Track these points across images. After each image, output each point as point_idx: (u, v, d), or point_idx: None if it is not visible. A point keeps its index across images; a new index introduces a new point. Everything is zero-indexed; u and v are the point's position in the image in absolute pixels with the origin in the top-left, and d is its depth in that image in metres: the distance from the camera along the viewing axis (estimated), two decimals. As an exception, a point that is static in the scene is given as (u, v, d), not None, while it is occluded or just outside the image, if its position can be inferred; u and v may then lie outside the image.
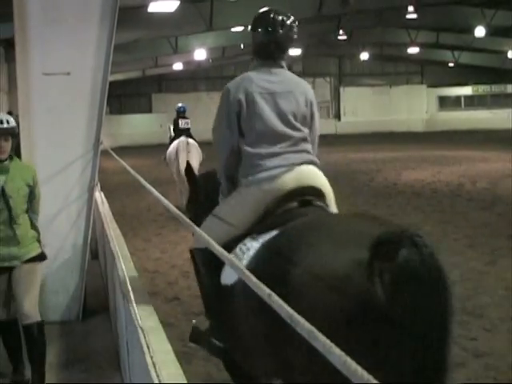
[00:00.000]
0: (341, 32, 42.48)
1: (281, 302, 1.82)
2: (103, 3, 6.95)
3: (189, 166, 5.27)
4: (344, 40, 45.59)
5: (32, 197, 6.26)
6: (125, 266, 5.40)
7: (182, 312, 7.83)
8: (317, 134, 4.58)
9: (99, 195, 10.26)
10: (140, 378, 3.87)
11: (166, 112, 40.48)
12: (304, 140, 4.31)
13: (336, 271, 2.94)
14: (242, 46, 42.39)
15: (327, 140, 47.02)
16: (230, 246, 3.77)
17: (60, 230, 7.66)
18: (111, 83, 8.03)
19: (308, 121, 4.41)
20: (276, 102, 4.21)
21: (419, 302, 2.80)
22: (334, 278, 2.91)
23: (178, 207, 4.11)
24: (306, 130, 4.35)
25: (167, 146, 17.70)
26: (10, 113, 27.99)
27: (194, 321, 4.76)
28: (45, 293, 7.73)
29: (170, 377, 3.18)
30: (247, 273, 2.13)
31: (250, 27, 4.52)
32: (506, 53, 49.23)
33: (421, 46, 49.65)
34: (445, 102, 60.51)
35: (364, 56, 55.06)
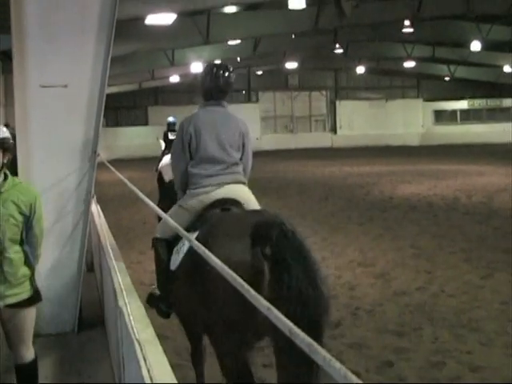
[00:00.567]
0: (337, 45, 42.59)
1: (279, 314, 1.83)
2: (101, 16, 6.96)
3: (160, 175, 5.86)
4: (340, 53, 45.72)
5: (28, 227, 5.27)
6: (121, 279, 5.39)
7: (178, 325, 7.81)
8: (249, 158, 5.80)
9: (95, 207, 10.26)
10: (136, 391, 3.86)
11: (163, 125, 40.53)
12: (236, 164, 5.53)
13: (231, 252, 4.21)
14: (238, 59, 42.47)
15: (323, 153, 47.23)
16: (178, 239, 5.16)
17: (56, 242, 7.64)
18: (108, 95, 8.04)
19: (241, 149, 5.66)
20: (217, 134, 5.48)
21: (292, 267, 3.99)
22: (231, 259, 3.91)
23: None
24: (238, 156, 5.57)
25: (159, 157, 18.06)
26: (6, 125, 28.04)
27: (152, 286, 5.90)
28: (40, 305, 7.72)
29: (166, 389, 3.18)
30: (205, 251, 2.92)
31: (199, 76, 5.83)
32: (502, 67, 49.42)
33: (417, 59, 49.82)
34: (441, 116, 60.68)
35: (360, 70, 55.25)
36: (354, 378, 1.49)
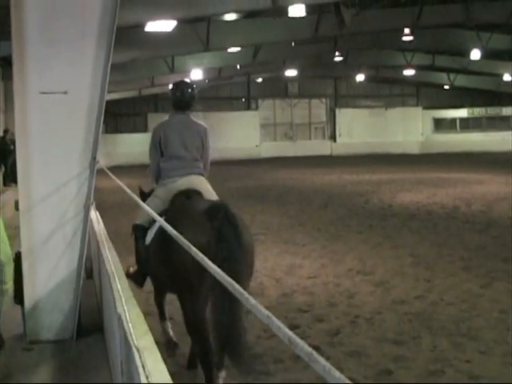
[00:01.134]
0: (337, 53, 42.69)
1: (279, 323, 1.83)
2: (101, 22, 6.97)
3: (141, 191, 7.89)
4: (340, 61, 45.80)
5: None
6: (120, 286, 5.39)
7: (177, 332, 7.81)
8: (208, 155, 7.29)
9: (95, 214, 10.25)
10: (134, 398, 3.85)
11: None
12: (197, 160, 7.04)
13: (191, 226, 5.78)
14: (238, 66, 42.55)
15: (322, 161, 47.27)
16: (152, 223, 6.59)
17: (56, 248, 7.64)
18: (108, 102, 8.05)
19: (200, 148, 7.10)
20: (181, 137, 6.94)
21: (228, 235, 5.63)
22: (190, 230, 5.55)
23: None
24: (198, 154, 7.06)
25: None
26: (6, 131, 28.08)
27: (129, 266, 7.34)
28: (39, 311, 7.71)
29: (164, 397, 3.17)
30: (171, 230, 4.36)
31: (170, 91, 7.25)
32: (502, 76, 49.54)
33: (416, 68, 49.95)
34: (440, 125, 60.78)
35: (360, 77, 55.38)
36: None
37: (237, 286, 2.36)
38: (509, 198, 20.65)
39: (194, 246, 3.31)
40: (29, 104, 7.18)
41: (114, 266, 6.32)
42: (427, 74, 55.00)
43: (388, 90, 61.21)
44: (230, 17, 30.91)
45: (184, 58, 36.06)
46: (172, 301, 7.47)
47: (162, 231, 6.01)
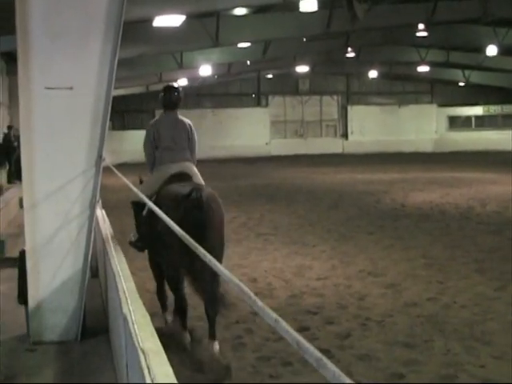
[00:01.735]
0: (349, 50, 42.61)
1: (287, 327, 1.82)
2: (108, 17, 6.98)
3: (141, 180, 9.44)
4: (352, 58, 45.71)
5: None
6: (125, 286, 5.40)
7: (181, 335, 7.81)
8: (195, 146, 8.85)
9: (100, 212, 10.26)
10: (139, 401, 3.86)
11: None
12: (185, 149, 8.65)
13: (174, 206, 7.34)
14: (248, 62, 42.45)
15: (333, 159, 47.21)
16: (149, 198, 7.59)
17: (60, 247, 7.65)
18: (114, 98, 8.06)
19: (187, 140, 8.72)
20: (171, 132, 8.58)
21: (201, 209, 7.21)
22: (174, 207, 7.23)
23: None
24: (186, 145, 8.68)
25: None
26: (10, 126, 28.12)
27: (131, 235, 8.84)
28: (43, 311, 7.72)
29: (170, 400, 3.17)
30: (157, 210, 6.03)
31: (160, 94, 8.79)
32: (518, 72, 49.25)
33: (431, 64, 49.76)
34: (455, 122, 60.54)
35: (372, 74, 55.23)
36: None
37: (202, 250, 3.37)
38: (524, 198, 20.59)
39: (174, 217, 5.36)
40: (33, 100, 7.20)
41: (120, 266, 6.34)
42: (441, 70, 54.79)
43: (401, 87, 61.03)
44: (240, 11, 30.82)
45: (193, 53, 36.03)
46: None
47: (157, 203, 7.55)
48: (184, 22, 24.55)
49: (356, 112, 59.71)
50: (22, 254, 7.75)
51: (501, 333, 7.95)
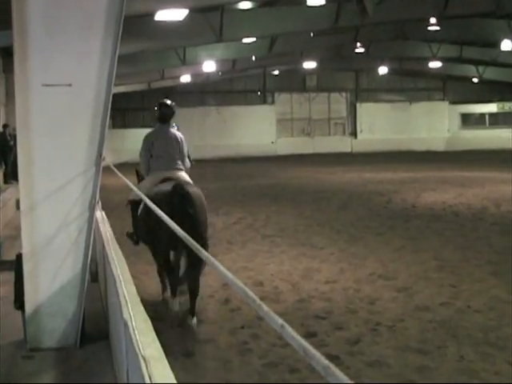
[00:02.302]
0: (358, 45, 42.56)
1: (294, 333, 1.80)
2: (108, 11, 6.95)
3: (137, 171, 11.27)
4: (361, 53, 45.67)
5: None
6: (126, 290, 5.39)
7: (186, 339, 7.82)
8: (184, 155, 10.33)
9: (100, 214, 10.26)
10: (140, 410, 3.84)
11: (172, 127, 40.47)
12: (176, 159, 10.12)
13: (162, 200, 8.54)
14: (253, 58, 42.44)
15: (342, 159, 47.19)
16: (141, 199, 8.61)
17: (59, 250, 7.63)
18: (115, 96, 8.07)
19: (178, 151, 10.18)
20: (164, 142, 10.07)
21: (186, 207, 8.70)
22: (164, 201, 8.46)
23: None
24: (177, 155, 10.14)
25: None
26: (5, 125, 28.13)
27: (128, 230, 10.68)
28: (41, 317, 7.71)
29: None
30: (151, 204, 6.84)
31: (155, 109, 10.48)
32: (534, 68, 49.11)
33: (443, 60, 49.63)
34: (468, 120, 60.43)
35: (382, 70, 55.18)
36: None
37: (194, 242, 4.02)
38: (541, 198, 20.54)
39: (162, 208, 6.67)
40: (31, 97, 7.18)
41: (121, 269, 6.32)
42: (454, 66, 54.66)
43: (412, 84, 60.93)
44: (245, 5, 30.75)
45: (196, 49, 36.00)
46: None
47: (146, 207, 8.69)
48: (187, 16, 24.54)
49: (365, 109, 59.68)
50: (19, 257, 7.73)
51: (517, 338, 7.91)
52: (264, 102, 58.36)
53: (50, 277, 7.65)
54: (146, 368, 3.66)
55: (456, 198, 21.96)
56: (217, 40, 29.73)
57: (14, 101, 7.21)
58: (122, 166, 16.65)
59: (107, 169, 9.31)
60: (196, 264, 8.75)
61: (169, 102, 10.61)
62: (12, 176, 24.73)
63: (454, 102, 60.22)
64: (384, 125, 58.84)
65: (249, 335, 8.33)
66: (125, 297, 5.18)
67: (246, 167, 41.15)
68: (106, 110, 7.32)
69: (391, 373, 6.96)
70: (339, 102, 60.30)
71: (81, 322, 7.94)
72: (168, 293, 9.97)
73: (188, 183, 9.59)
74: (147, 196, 8.51)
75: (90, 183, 7.56)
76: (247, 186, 28.31)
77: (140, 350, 3.94)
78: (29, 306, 7.68)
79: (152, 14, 24.13)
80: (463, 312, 9.14)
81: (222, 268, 2.69)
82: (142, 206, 9.52)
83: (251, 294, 2.23)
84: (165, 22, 25.34)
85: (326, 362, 1.60)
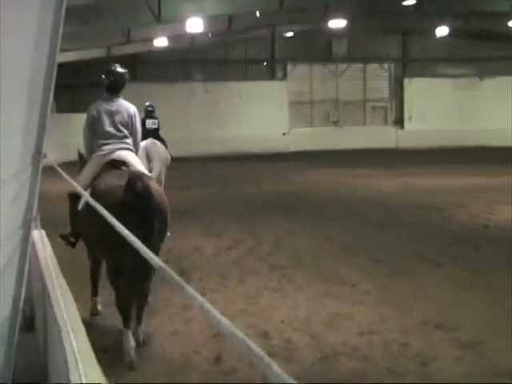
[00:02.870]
0: (406, -5, 42.66)
1: (253, 346, 1.80)
2: None
3: (80, 155, 12.52)
4: (411, 6, 45.71)
5: None
6: (76, 343, 5.38)
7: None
8: (137, 133, 11.72)
9: (39, 234, 10.27)
10: None
11: (143, 112, 40.18)
12: (126, 137, 11.39)
13: (113, 193, 9.96)
14: (257, 14, 42.49)
15: (382, 157, 47.15)
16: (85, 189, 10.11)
17: (-22, 286, 7.64)
18: (60, 66, 8.01)
19: (130, 126, 11.51)
20: (112, 117, 11.26)
21: (140, 196, 9.67)
22: (114, 196, 9.84)
23: None
24: (128, 132, 11.43)
25: None
26: None
27: (61, 232, 11.68)
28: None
29: None
30: (92, 201, 7.11)
31: (102, 75, 11.62)
32: None
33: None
34: None
35: (441, 31, 55.17)
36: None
37: (144, 248, 4.26)
38: None
39: (113, 207, 7.80)
40: None
41: (68, 314, 6.32)
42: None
43: (485, 51, 60.82)
44: None
45: (176, 1, 36.10)
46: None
47: (94, 192, 10.06)
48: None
49: (416, 88, 59.73)
50: None
51: None
52: (272, 76, 58.49)
53: (-33, 324, 7.66)
54: None
55: (545, 214, 21.98)
56: (206, -13, 29.82)
57: None
58: (72, 166, 16.60)
59: (49, 170, 9.27)
60: (146, 274, 9.88)
61: (120, 68, 11.90)
62: None
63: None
64: (442, 110, 58.91)
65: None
66: (74, 352, 5.18)
67: (246, 168, 41.20)
68: (48, 88, 7.31)
69: None
70: (379, 78, 60.44)
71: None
72: (98, 299, 12.32)
73: (144, 174, 10.59)
74: (89, 187, 10.40)
75: (25, 191, 7.56)
76: (249, 195, 28.35)
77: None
78: None
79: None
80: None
81: (206, 306, 2.68)
82: (83, 200, 10.39)
83: (255, 346, 2.23)
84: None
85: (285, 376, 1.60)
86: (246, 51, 57.98)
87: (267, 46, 57.50)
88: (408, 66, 60.52)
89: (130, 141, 11.54)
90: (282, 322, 11.72)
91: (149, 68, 54.40)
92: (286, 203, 26.01)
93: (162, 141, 23.75)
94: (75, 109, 53.42)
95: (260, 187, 31.29)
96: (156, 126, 24.75)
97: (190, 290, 3.11)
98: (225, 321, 2.72)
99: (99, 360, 5.29)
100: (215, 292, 13.46)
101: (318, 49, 58.32)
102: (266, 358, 2.21)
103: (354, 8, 47.17)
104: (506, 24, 51.00)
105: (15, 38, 7.22)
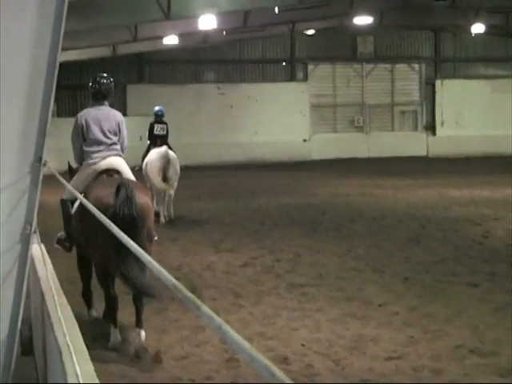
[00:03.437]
0: (439, -11, 42.59)
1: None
2: None
3: (70, 167, 13.99)
4: (444, 2, 45.62)
5: None
6: (79, 368, 5.40)
7: None
8: (124, 140, 13.12)
9: (38, 249, 10.30)
10: None
11: (149, 115, 39.87)
12: (115, 144, 12.88)
13: (102, 200, 11.62)
14: (276, 9, 42.49)
15: (413, 166, 47.06)
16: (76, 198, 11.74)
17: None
18: (61, 67, 8.04)
19: (118, 133, 12.93)
20: (100, 124, 12.75)
21: (127, 209, 11.33)
22: (103, 202, 11.53)
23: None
24: (116, 139, 12.90)
25: (143, 154, 25.77)
26: None
27: (58, 234, 13.21)
28: None
29: None
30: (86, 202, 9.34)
31: (89, 84, 13.18)
32: None
33: None
34: None
35: (477, 28, 54.97)
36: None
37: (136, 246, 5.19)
38: None
39: (104, 210, 9.80)
40: None
41: (70, 336, 6.33)
42: None
43: (524, 50, 60.75)
44: None
45: (188, -5, 36.12)
46: None
47: (82, 205, 10.89)
48: None
49: (449, 90, 59.53)
50: None
51: None
52: (292, 77, 58.43)
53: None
54: None
55: None
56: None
57: None
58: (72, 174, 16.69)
59: (50, 178, 9.29)
60: (139, 271, 10.99)
61: (105, 75, 13.52)
62: None
63: None
64: (478, 114, 58.68)
65: None
66: (77, 377, 5.19)
67: (262, 178, 41.15)
68: (49, 90, 7.34)
69: None
70: (409, 79, 60.30)
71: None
72: (95, 311, 13.37)
73: (134, 184, 12.23)
74: (82, 194, 11.32)
75: (24, 202, 7.57)
76: (265, 208, 28.32)
77: None
78: None
79: None
80: None
81: (225, 327, 2.70)
82: (76, 205, 12.23)
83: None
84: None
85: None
86: (263, 50, 57.94)
87: (286, 44, 57.45)
88: (440, 66, 60.36)
89: (118, 147, 13.02)
90: (303, 345, 11.72)
91: (157, 68, 54.42)
92: (307, 217, 25.99)
93: (170, 148, 24.52)
94: (77, 112, 53.46)
95: (278, 199, 31.26)
96: (165, 132, 25.48)
97: (206, 309, 3.12)
98: (246, 344, 2.73)
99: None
100: (229, 313, 13.46)
101: (341, 47, 58.21)
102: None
103: (381, 3, 47.15)
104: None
105: (14, 36, 7.25)
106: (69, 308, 7.73)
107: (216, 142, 53.25)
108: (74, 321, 7.23)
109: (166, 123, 25.76)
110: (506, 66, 60.30)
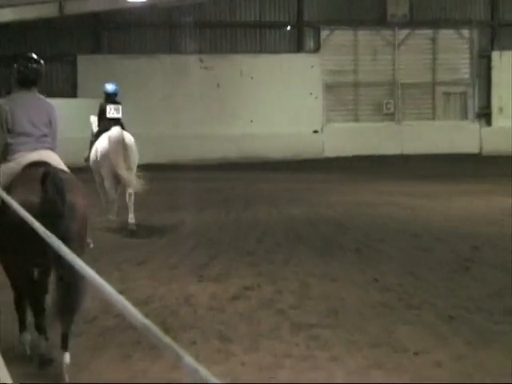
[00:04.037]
0: None
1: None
2: None
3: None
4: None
5: None
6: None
7: None
8: (56, 131, 14.23)
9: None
10: None
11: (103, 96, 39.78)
12: (45, 136, 14.00)
13: (27, 196, 12.56)
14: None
15: (460, 166, 47.04)
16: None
17: None
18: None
19: (48, 124, 14.11)
20: (28, 114, 13.80)
21: (57, 198, 12.27)
22: (25, 194, 12.61)
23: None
24: (46, 130, 14.02)
25: (90, 142, 27.34)
26: None
27: None
28: None
29: None
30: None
31: (13, 68, 14.19)
32: None
33: None
34: None
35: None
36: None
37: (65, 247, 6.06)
38: None
39: (27, 205, 10.79)
40: None
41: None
42: None
43: None
44: None
45: None
46: None
47: (4, 203, 11.84)
48: None
49: (510, 65, 59.37)
50: None
51: None
52: (299, 47, 58.44)
53: None
54: None
55: None
56: None
57: None
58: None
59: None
60: (72, 283, 11.52)
61: (35, 56, 14.32)
62: None
63: None
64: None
65: None
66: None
67: (260, 182, 41.27)
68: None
69: None
70: (456, 51, 60.29)
71: None
72: (28, 335, 13.70)
73: (63, 171, 13.15)
74: (4, 188, 12.44)
75: None
76: (264, 222, 28.40)
77: None
78: None
79: None
80: None
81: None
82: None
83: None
84: None
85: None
86: (261, 10, 57.85)
87: (292, 3, 57.41)
88: (499, 33, 60.28)
89: (49, 140, 14.06)
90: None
91: (119, 34, 54.41)
92: (319, 234, 26.03)
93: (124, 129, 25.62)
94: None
95: (280, 210, 31.36)
96: (119, 115, 26.40)
97: (191, 360, 3.14)
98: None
99: None
100: (214, 362, 13.28)
101: (366, 8, 58.06)
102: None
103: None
104: None
105: None
106: (7, 372, 7.79)
107: (198, 133, 53.15)
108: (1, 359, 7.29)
109: (119, 103, 26.47)
110: None
